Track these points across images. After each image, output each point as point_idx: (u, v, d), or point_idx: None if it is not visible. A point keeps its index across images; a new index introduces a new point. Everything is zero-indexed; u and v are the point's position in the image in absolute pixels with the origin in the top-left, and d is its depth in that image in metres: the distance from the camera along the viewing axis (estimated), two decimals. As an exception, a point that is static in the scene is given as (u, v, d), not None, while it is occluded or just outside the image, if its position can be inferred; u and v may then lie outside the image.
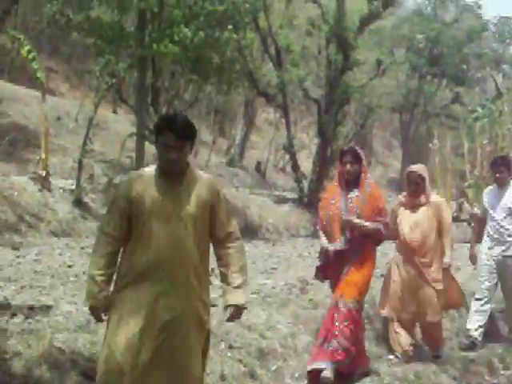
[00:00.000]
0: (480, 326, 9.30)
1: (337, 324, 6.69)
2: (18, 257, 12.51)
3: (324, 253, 6.90)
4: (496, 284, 9.43)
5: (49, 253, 13.28)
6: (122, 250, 4.99)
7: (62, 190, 17.78)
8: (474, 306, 9.72)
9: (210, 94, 28.13)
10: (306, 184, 24.03)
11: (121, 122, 26.64)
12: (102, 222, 5.18)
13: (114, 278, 5.08)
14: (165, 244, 4.75)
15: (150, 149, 18.76)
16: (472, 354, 9.55)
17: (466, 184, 23.92)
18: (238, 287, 4.77)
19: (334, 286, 6.96)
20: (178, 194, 4.77)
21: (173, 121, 4.87)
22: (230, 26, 19.77)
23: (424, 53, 35.68)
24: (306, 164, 26.34)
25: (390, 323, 8.17)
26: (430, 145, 27.45)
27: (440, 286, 7.80)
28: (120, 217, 4.88)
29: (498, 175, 9.16)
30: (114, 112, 28.74)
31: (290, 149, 25.00)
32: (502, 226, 9.11)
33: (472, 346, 9.35)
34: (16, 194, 16.45)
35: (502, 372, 9.52)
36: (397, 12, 29.88)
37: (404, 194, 8.19)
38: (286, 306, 9.30)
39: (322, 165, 24.00)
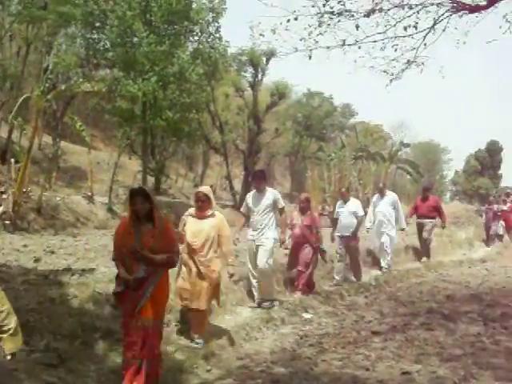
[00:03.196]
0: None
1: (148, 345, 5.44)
2: (75, 241, 13.84)
3: (124, 281, 5.41)
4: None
5: (93, 238, 14.74)
6: None
7: (100, 203, 20.44)
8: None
9: (183, 148, 30.53)
10: (237, 196, 26.57)
11: (133, 164, 27.88)
12: None
13: None
14: None
15: (150, 179, 22.76)
16: (330, 289, 11.41)
17: (326, 195, 26.07)
18: (14, 333, 3.85)
19: (130, 310, 5.41)
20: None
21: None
22: (194, 110, 22.73)
23: (302, 123, 42.89)
24: (238, 185, 28.85)
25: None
26: (306, 174, 32.21)
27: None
28: None
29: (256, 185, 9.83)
30: (130, 159, 29.80)
31: (228, 177, 28.27)
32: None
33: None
34: (74, 205, 18.94)
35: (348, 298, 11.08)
36: (286, 101, 32.79)
37: (193, 208, 7.49)
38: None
39: (247, 185, 26.72)
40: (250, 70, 27.90)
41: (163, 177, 26.74)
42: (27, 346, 5.75)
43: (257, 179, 9.77)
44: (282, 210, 9.76)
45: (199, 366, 6.66)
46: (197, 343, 7.22)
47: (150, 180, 23.24)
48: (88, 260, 10.57)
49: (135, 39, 21.37)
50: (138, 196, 5.48)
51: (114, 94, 21.85)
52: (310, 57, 9.19)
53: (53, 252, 11.46)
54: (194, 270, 7.19)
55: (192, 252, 7.22)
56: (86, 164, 21.99)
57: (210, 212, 7.33)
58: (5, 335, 3.86)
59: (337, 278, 12.23)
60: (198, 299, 7.16)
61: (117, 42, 21.45)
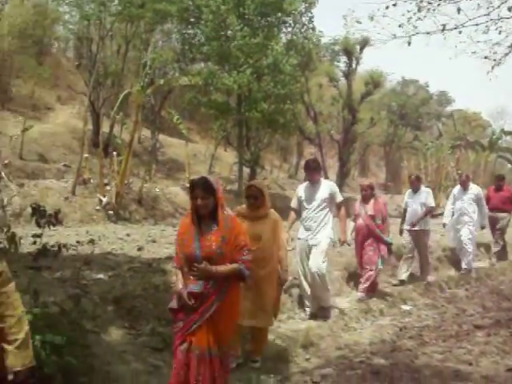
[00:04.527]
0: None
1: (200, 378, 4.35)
2: (175, 231, 13.44)
3: (178, 296, 4.42)
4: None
5: None
6: None
7: None
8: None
9: (277, 139, 30.18)
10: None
11: (229, 156, 28.46)
12: None
13: None
14: None
15: (246, 171, 23.19)
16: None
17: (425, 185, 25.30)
18: (20, 345, 2.96)
19: (185, 330, 4.39)
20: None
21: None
22: (288, 101, 23.02)
23: (396, 112, 41.65)
24: (332, 176, 28.32)
25: None
26: (402, 164, 31.65)
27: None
28: None
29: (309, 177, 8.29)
30: (225, 150, 30.28)
31: (323, 168, 26.82)
32: None
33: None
34: (173, 196, 19.70)
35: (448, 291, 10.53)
36: (380, 90, 31.93)
37: (243, 206, 6.28)
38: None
39: (341, 176, 27.35)
40: (344, 59, 27.77)
41: (258, 168, 26.97)
42: (134, 329, 6.10)
43: (310, 169, 8.22)
44: (340, 205, 8.42)
45: (298, 354, 6.71)
46: (255, 361, 6.19)
47: (246, 171, 23.53)
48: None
49: (229, 33, 21.68)
50: (198, 188, 4.37)
51: (209, 88, 22.17)
52: (409, 43, 8.87)
53: (154, 241, 11.84)
54: (251, 284, 5.64)
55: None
56: (184, 156, 22.55)
57: (264, 211, 6.09)
58: (10, 347, 2.95)
59: (401, 277, 10.69)
60: (259, 317, 6.03)
61: (212, 36, 21.89)
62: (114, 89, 25.24)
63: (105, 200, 16.86)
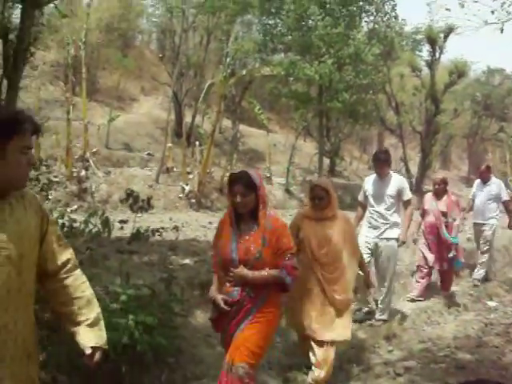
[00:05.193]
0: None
1: None
2: None
3: (213, 303, 4.06)
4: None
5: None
6: None
7: (278, 184, 21.28)
8: None
9: (357, 129, 30.09)
10: (413, 179, 25.60)
11: (308, 147, 28.68)
12: None
13: None
14: None
15: (325, 161, 22.93)
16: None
17: (508, 179, 24.22)
18: (92, 324, 2.67)
19: (226, 344, 4.07)
20: None
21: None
22: (370, 91, 22.84)
23: (481, 103, 39.46)
24: (413, 168, 27.98)
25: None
26: (486, 157, 31.08)
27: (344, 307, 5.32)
28: None
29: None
30: (304, 141, 30.24)
31: (404, 159, 27.19)
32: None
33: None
34: None
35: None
36: (464, 80, 30.38)
37: (306, 206, 5.69)
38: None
39: (423, 168, 26.48)
40: (427, 48, 27.10)
41: (338, 159, 26.86)
42: None
43: (379, 161, 7.41)
44: (407, 203, 7.59)
45: (381, 345, 6.70)
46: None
47: (326, 162, 23.53)
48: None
49: (311, 23, 21.53)
50: (237, 184, 3.90)
51: (290, 78, 22.12)
52: (502, 30, 8.58)
53: (236, 229, 11.94)
54: (317, 289, 5.25)
55: (315, 267, 5.27)
56: (264, 146, 22.75)
57: (332, 212, 5.41)
58: (81, 326, 2.63)
59: (478, 276, 9.87)
60: (327, 329, 5.24)
61: (293, 27, 21.80)
62: (196, 79, 25.74)
63: (187, 188, 17.27)
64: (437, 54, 26.38)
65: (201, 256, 7.79)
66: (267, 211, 3.99)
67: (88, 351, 2.65)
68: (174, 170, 19.26)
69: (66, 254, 2.72)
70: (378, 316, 7.53)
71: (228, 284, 4.00)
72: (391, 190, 7.38)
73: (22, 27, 6.66)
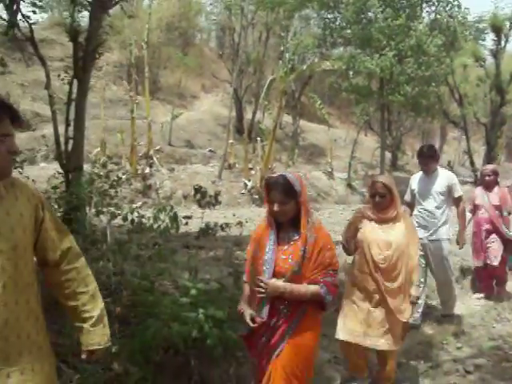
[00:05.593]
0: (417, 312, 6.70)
1: None
2: (318, 215, 14.39)
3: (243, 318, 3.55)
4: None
5: (335, 213, 15.75)
6: None
7: (339, 179, 21.34)
8: None
9: (419, 123, 29.56)
10: (478, 173, 23.80)
11: (369, 141, 28.45)
12: None
13: None
14: None
15: (387, 155, 22.67)
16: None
17: None
18: (96, 323, 2.59)
19: (260, 370, 3.56)
20: None
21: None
22: (432, 83, 22.41)
23: None
24: (477, 161, 27.45)
25: None
26: None
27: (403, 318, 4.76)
28: None
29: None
30: (365, 135, 29.69)
31: (469, 152, 26.56)
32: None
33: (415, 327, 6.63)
34: (315, 181, 19.93)
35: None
36: None
37: (368, 205, 5.03)
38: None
39: (488, 161, 25.08)
40: (491, 37, 26.33)
41: (400, 153, 26.50)
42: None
43: (424, 157, 6.86)
44: (458, 200, 6.95)
45: (449, 342, 6.51)
46: None
47: (387, 156, 23.27)
48: (333, 233, 10.72)
49: (370, 15, 21.33)
50: (275, 190, 3.41)
51: (350, 72, 22.00)
52: None
53: (300, 224, 11.93)
54: (375, 296, 4.76)
55: (374, 273, 4.77)
56: (324, 141, 22.70)
57: (394, 212, 4.84)
58: (84, 325, 2.55)
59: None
60: (385, 338, 4.80)
61: (352, 20, 21.63)
62: (256, 76, 25.82)
63: (249, 184, 17.45)
64: (502, 43, 25.62)
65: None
66: (311, 219, 3.47)
67: (83, 355, 2.63)
68: (236, 166, 19.49)
69: (66, 242, 2.57)
70: (444, 312, 7.16)
71: (258, 297, 3.48)
72: (440, 186, 6.82)
73: (90, 30, 6.87)
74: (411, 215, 6.89)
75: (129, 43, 22.02)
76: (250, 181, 17.53)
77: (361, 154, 25.46)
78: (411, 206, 7.04)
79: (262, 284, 3.41)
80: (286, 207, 3.40)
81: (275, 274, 3.45)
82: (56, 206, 5.77)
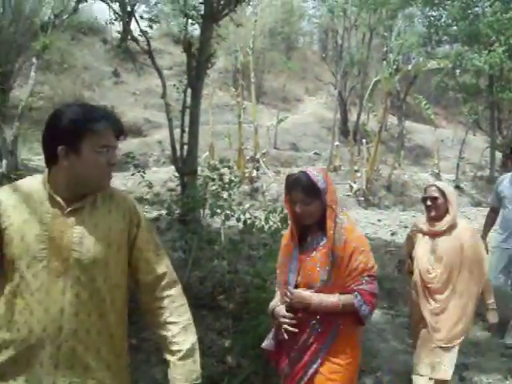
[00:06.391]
0: None
1: None
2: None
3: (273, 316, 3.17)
4: None
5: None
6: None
7: (447, 180, 20.03)
8: None
9: None
10: None
11: (478, 141, 27.09)
12: None
13: None
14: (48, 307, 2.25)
15: (498, 155, 21.96)
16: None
17: None
18: (184, 357, 2.42)
19: None
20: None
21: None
22: None
23: None
24: None
25: None
26: None
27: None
28: None
29: None
30: (474, 135, 28.07)
31: None
32: None
33: None
34: (421, 182, 18.57)
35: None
36: None
37: (423, 218, 4.45)
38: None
39: None
40: None
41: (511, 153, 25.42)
42: (393, 310, 6.29)
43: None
44: None
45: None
46: None
47: (498, 156, 22.41)
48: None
49: (478, 10, 20.71)
50: (295, 190, 3.02)
51: (457, 70, 21.51)
52: None
53: (406, 226, 11.81)
54: (428, 318, 4.17)
55: (426, 294, 4.22)
56: (431, 142, 22.26)
57: (448, 222, 4.16)
58: (172, 358, 2.41)
59: None
60: (435, 367, 4.16)
61: (459, 16, 21.02)
62: (360, 77, 25.74)
63: (355, 186, 17.48)
64: None
65: (375, 253, 7.82)
66: (340, 220, 3.01)
67: None
68: (342, 168, 19.57)
69: (163, 267, 2.45)
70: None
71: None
72: None
73: (202, 40, 7.22)
74: (495, 221, 6.30)
75: (234, 50, 22.61)
76: (355, 183, 17.57)
77: (469, 154, 24.63)
78: (496, 210, 6.30)
79: (288, 294, 3.03)
80: (310, 208, 2.99)
81: (303, 285, 3.04)
82: (173, 207, 6.11)
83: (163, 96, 7.39)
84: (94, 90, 23.26)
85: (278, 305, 3.14)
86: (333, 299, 2.94)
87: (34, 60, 14.94)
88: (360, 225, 11.95)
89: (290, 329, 2.99)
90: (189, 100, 7.16)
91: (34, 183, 2.30)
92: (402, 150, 22.77)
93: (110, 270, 2.32)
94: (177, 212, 6.22)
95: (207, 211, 6.04)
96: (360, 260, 2.95)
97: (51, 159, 2.24)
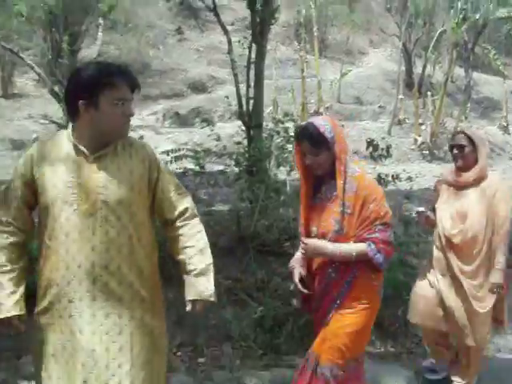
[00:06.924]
0: None
1: None
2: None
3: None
4: None
5: (509, 170, 14.73)
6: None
7: None
8: None
9: None
10: None
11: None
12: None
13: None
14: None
15: None
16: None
17: None
18: (198, 275, 2.63)
19: (315, 332, 3.27)
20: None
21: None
22: None
23: None
24: None
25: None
26: None
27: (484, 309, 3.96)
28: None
29: None
30: None
31: None
32: None
33: None
34: (489, 136, 17.94)
35: None
36: None
37: (449, 169, 4.19)
38: None
39: None
40: None
41: None
42: None
43: None
44: None
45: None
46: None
47: None
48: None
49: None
50: (303, 141, 3.07)
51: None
52: None
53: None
54: (449, 281, 4.02)
55: (448, 250, 4.00)
56: (500, 94, 21.69)
57: (476, 173, 3.91)
58: (187, 276, 2.70)
59: None
60: (463, 330, 3.99)
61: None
62: (426, 28, 25.07)
63: (420, 140, 17.35)
64: None
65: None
66: (350, 168, 3.04)
67: (188, 307, 2.67)
68: (406, 121, 19.36)
69: (184, 203, 2.72)
70: None
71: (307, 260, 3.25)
72: None
73: (266, -5, 7.34)
74: None
75: (297, 3, 22.40)
76: (420, 136, 17.42)
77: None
78: None
79: (303, 245, 3.18)
80: (319, 158, 3.05)
81: (321, 234, 3.13)
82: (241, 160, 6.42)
83: (229, 52, 7.60)
84: (159, 47, 23.58)
85: (295, 264, 3.28)
86: (345, 248, 3.01)
87: (100, 21, 15.36)
88: (424, 178, 11.92)
89: (304, 291, 3.21)
90: (253, 55, 7.34)
91: (61, 137, 2.61)
92: (469, 102, 22.22)
93: (134, 209, 2.57)
94: (244, 164, 6.54)
95: (273, 163, 6.38)
96: (371, 209, 3.00)
97: (74, 114, 2.52)
